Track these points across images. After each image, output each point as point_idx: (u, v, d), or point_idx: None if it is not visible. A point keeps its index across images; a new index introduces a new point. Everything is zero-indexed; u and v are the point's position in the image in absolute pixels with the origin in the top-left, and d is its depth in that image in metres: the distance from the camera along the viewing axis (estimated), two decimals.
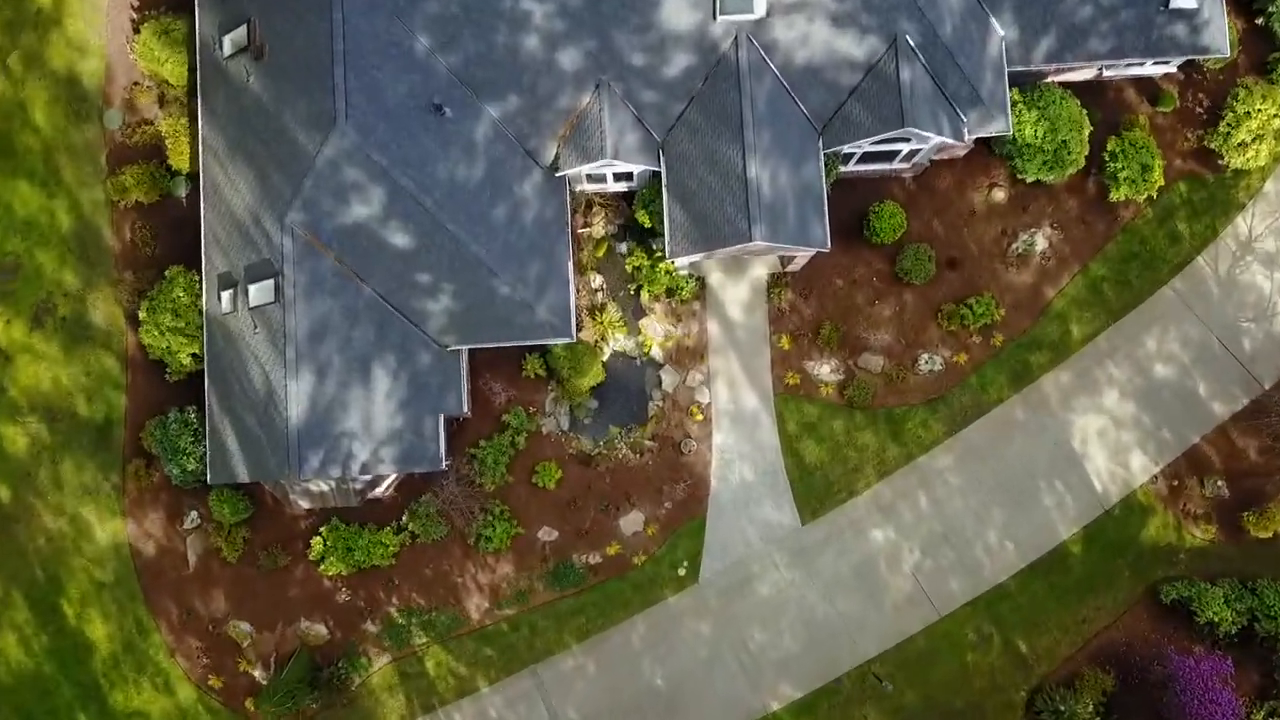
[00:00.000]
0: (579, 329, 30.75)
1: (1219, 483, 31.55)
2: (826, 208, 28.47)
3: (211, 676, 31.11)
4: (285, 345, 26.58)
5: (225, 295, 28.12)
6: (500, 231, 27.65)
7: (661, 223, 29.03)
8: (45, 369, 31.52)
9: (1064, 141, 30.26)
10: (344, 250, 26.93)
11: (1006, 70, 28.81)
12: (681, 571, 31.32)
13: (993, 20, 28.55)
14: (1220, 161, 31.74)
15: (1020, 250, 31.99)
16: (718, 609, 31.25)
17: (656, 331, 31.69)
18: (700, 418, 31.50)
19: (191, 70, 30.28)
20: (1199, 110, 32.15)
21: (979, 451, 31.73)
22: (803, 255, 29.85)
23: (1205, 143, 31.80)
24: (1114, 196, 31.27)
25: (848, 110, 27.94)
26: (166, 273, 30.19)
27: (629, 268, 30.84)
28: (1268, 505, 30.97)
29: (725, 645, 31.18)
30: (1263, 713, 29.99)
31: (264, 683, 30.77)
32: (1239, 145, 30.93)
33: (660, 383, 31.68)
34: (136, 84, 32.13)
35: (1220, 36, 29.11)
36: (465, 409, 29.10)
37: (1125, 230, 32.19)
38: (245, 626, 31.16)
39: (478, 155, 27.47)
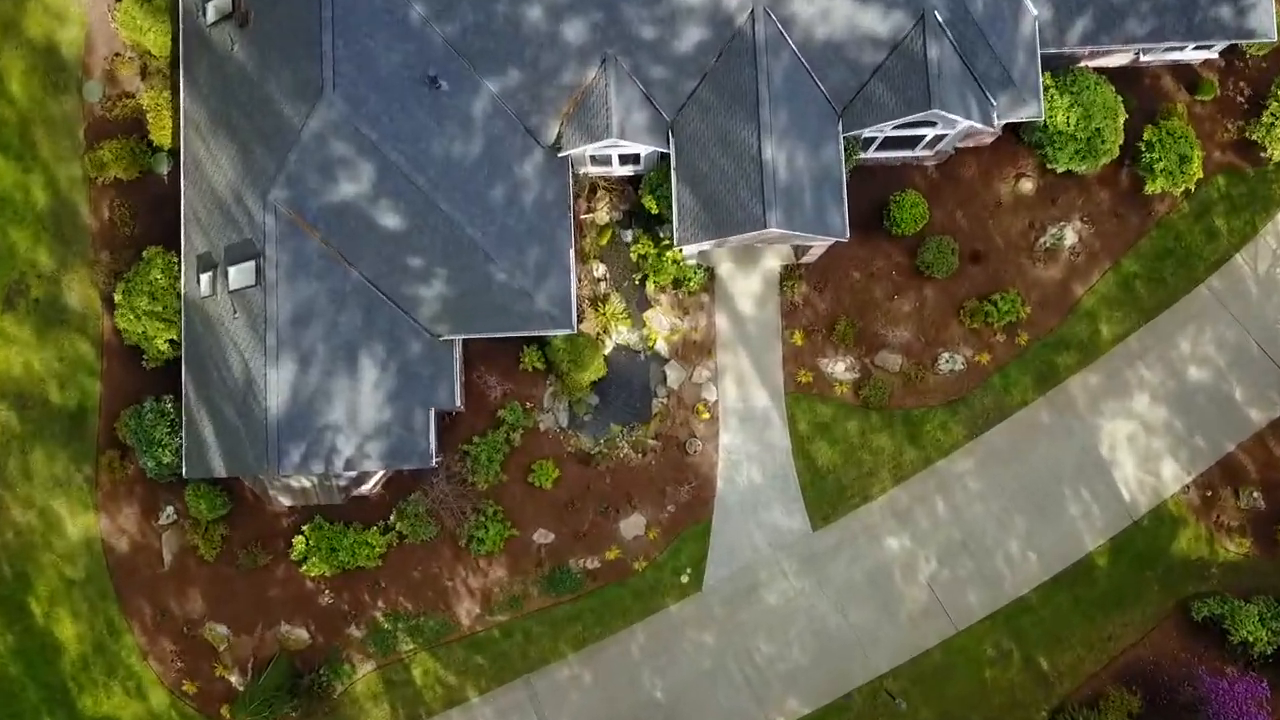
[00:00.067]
0: (580, 320, 29.06)
1: (1255, 494, 29.85)
2: (846, 195, 26.73)
3: (186, 681, 29.46)
4: (265, 331, 24.90)
5: (204, 278, 26.46)
6: (498, 214, 25.96)
7: (669, 208, 27.35)
8: (16, 353, 29.86)
9: (1098, 129, 28.54)
10: (330, 230, 25.25)
11: (1039, 52, 27.06)
12: (684, 578, 29.64)
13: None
14: (1262, 154, 30.06)
15: (1048, 244, 30.27)
16: (722, 618, 29.58)
17: (662, 324, 29.99)
18: (707, 416, 29.82)
19: (175, 40, 28.64)
20: (1240, 99, 30.43)
21: (1001, 456, 30.05)
22: (819, 245, 28.14)
23: (1246, 134, 30.09)
24: (1149, 189, 29.55)
25: (870, 91, 26.21)
26: (144, 253, 28.54)
27: (634, 256, 29.14)
28: None
29: (729, 657, 29.50)
30: None
31: (241, 689, 29.12)
32: None
33: (665, 379, 29.99)
34: (118, 55, 30.47)
35: (1268, 19, 27.38)
36: (458, 403, 27.42)
37: (1160, 225, 30.46)
38: (222, 629, 29.51)
39: (475, 132, 25.78)
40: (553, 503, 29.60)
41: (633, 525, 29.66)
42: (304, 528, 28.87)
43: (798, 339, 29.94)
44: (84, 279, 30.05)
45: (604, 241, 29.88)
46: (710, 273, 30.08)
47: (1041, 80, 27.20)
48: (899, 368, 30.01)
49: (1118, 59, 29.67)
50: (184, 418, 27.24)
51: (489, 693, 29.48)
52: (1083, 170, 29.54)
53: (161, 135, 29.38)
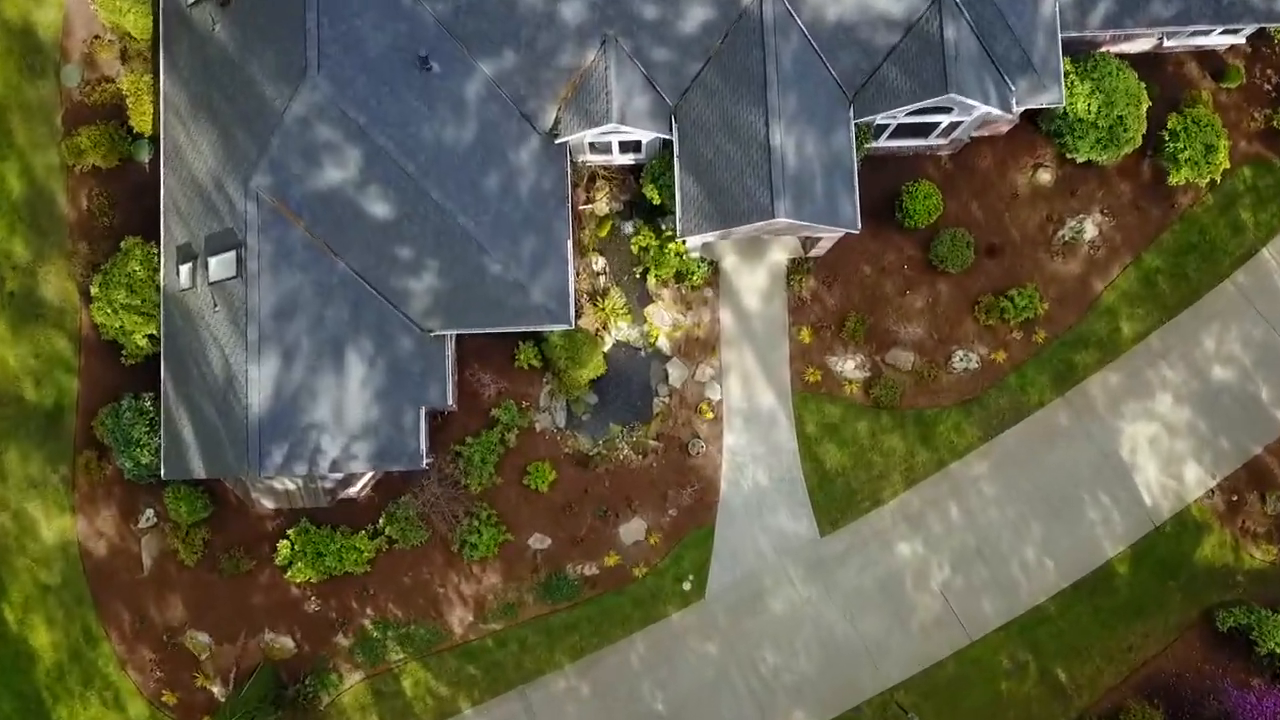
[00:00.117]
0: (578, 315, 27.84)
1: None
2: (857, 184, 25.47)
3: (165, 692, 28.21)
4: (247, 325, 23.65)
5: (184, 269, 25.23)
6: (492, 203, 24.71)
7: (672, 198, 26.11)
8: None
9: (1120, 117, 27.29)
10: (315, 219, 24.00)
11: (1060, 34, 25.81)
12: (686, 585, 28.38)
13: None
14: None
15: (1067, 238, 29.02)
16: (726, 627, 28.32)
17: (664, 320, 28.74)
18: (710, 416, 28.57)
19: (156, 22, 27.40)
20: (1267, 87, 29.19)
21: (1017, 459, 28.80)
22: (829, 237, 26.89)
23: (1274, 123, 28.87)
24: (1173, 180, 28.29)
25: (883, 74, 24.97)
26: (122, 244, 27.30)
27: (635, 248, 27.89)
28: None
29: (733, 667, 28.24)
30: None
31: (223, 700, 27.87)
32: None
33: (667, 377, 28.74)
34: (97, 37, 29.24)
35: None
36: (450, 401, 26.18)
37: (1183, 218, 29.21)
38: (204, 637, 28.26)
39: (468, 116, 24.54)
40: (549, 506, 28.35)
41: (633, 530, 28.40)
42: (289, 532, 27.62)
43: (805, 336, 28.70)
44: (61, 271, 28.83)
45: (603, 233, 28.63)
46: (714, 266, 28.83)
47: (1062, 65, 25.94)
48: (911, 366, 28.78)
49: (1140, 44, 28.43)
50: (162, 416, 25.98)
51: (482, 704, 28.23)
52: (1103, 160, 28.29)
53: (142, 121, 28.18)
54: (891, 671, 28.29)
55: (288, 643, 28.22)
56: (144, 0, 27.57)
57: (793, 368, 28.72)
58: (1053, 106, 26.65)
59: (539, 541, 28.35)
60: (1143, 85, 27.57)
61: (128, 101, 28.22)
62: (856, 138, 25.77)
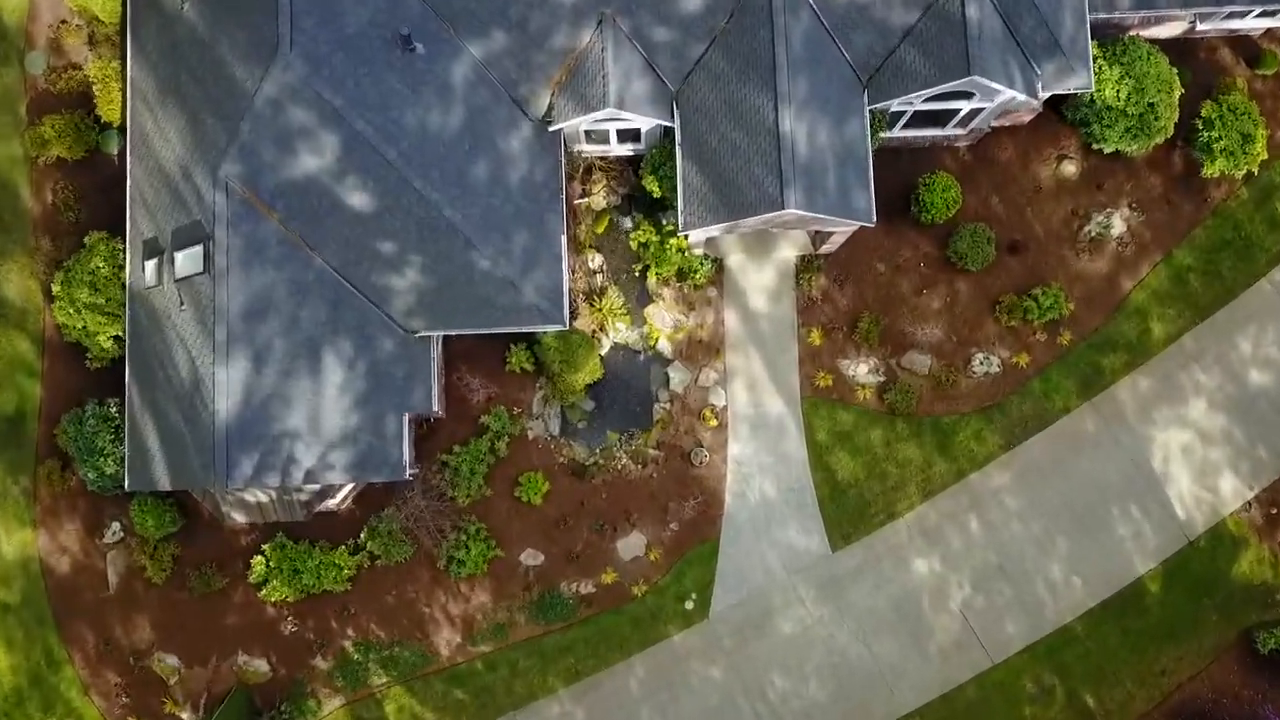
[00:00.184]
0: (573, 316, 26.11)
1: None
2: (872, 175, 23.76)
3: (132, 718, 26.34)
4: (214, 325, 21.90)
5: (150, 265, 23.50)
6: (480, 194, 22.99)
7: (673, 190, 24.40)
8: None
9: (1151, 105, 25.60)
10: (290, 211, 22.29)
11: (1088, 15, 24.15)
12: (689, 604, 26.56)
13: None
14: None
15: (1093, 234, 27.30)
16: (731, 649, 26.50)
17: (665, 321, 26.99)
18: (714, 424, 26.79)
19: (125, 4, 25.72)
20: None
21: (1041, 469, 27.02)
22: (841, 232, 25.15)
23: None
24: (1207, 172, 26.60)
25: (900, 57, 23.28)
26: (86, 240, 25.59)
27: (634, 245, 26.14)
28: None
29: (739, 693, 26.41)
30: None
31: None
32: None
33: (668, 381, 26.98)
34: (64, 22, 27.58)
35: None
36: (436, 407, 24.41)
37: (1216, 213, 27.50)
38: (173, 660, 26.44)
39: (454, 101, 22.84)
40: (542, 520, 26.56)
41: (631, 545, 26.60)
42: (264, 547, 25.84)
43: (816, 338, 26.95)
44: (23, 269, 27.10)
45: (600, 229, 26.91)
46: (718, 264, 27.10)
47: (1090, 48, 24.27)
48: (928, 370, 27.02)
49: (1171, 29, 26.77)
50: (127, 424, 24.21)
51: None
52: (1133, 151, 26.60)
53: (110, 110, 26.48)
54: (908, 697, 26.49)
55: (262, 666, 26.40)
56: None
57: (802, 372, 26.98)
58: (1081, 92, 25.01)
59: (531, 557, 26.55)
60: (1174, 71, 25.90)
61: (95, 89, 26.55)
62: (871, 126, 24.09)
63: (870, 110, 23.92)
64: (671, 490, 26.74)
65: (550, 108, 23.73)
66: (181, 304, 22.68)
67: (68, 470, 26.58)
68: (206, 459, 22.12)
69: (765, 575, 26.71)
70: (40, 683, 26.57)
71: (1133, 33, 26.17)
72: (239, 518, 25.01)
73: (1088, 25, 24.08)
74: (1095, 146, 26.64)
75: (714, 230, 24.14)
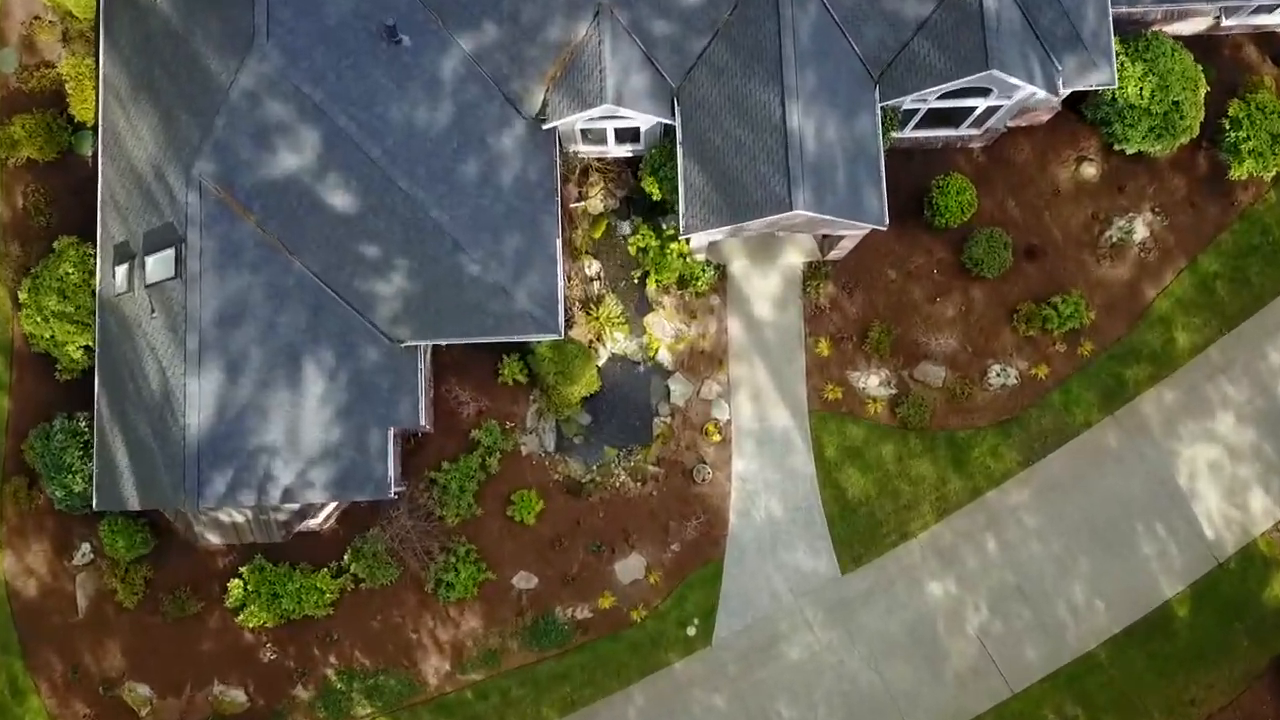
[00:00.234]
0: (569, 325, 24.82)
1: None
2: (884, 175, 22.50)
3: None
4: (186, 332, 20.58)
5: (120, 270, 22.22)
6: (469, 194, 21.74)
7: (674, 191, 23.16)
8: None
9: (1175, 103, 24.38)
10: (267, 212, 21.02)
11: (1110, 8, 22.96)
12: (691, 630, 25.14)
13: None
14: None
15: (1115, 239, 26.04)
16: (736, 677, 25.07)
17: (665, 331, 25.68)
18: (717, 438, 25.44)
19: None
20: None
21: (1062, 486, 25.66)
22: (851, 236, 23.87)
23: None
24: (1234, 174, 25.36)
25: (914, 50, 22.06)
26: (55, 244, 24.31)
27: (632, 250, 24.85)
28: None
29: None
30: None
31: None
32: None
33: (669, 394, 25.64)
34: (37, 18, 26.41)
35: None
36: (423, 421, 23.06)
37: (1244, 217, 26.25)
38: (144, 690, 24.99)
39: (442, 96, 21.62)
40: (536, 540, 25.16)
41: (630, 567, 25.18)
42: (241, 569, 24.45)
43: (824, 348, 25.63)
44: None
45: (597, 234, 25.64)
46: (721, 270, 25.81)
47: (1113, 43, 23.07)
48: (942, 382, 25.70)
49: (1194, 25, 25.57)
50: (96, 439, 22.85)
51: None
52: (1156, 152, 25.36)
53: (83, 109, 25.27)
54: None
55: (239, 696, 24.95)
56: None
57: (810, 384, 25.66)
58: (1102, 89, 23.80)
59: (524, 580, 25.14)
60: (1200, 69, 24.71)
61: (68, 87, 25.36)
62: (882, 125, 22.86)
63: (881, 108, 22.71)
64: (672, 509, 25.36)
65: (544, 104, 22.50)
66: (152, 311, 21.38)
67: (35, 488, 25.22)
68: (176, 476, 20.75)
69: (771, 599, 25.30)
70: (4, 713, 25.11)
71: (1155, 28, 24.99)
72: (213, 539, 23.61)
73: (1110, 18, 22.89)
74: (1117, 147, 25.41)
75: (717, 234, 22.86)
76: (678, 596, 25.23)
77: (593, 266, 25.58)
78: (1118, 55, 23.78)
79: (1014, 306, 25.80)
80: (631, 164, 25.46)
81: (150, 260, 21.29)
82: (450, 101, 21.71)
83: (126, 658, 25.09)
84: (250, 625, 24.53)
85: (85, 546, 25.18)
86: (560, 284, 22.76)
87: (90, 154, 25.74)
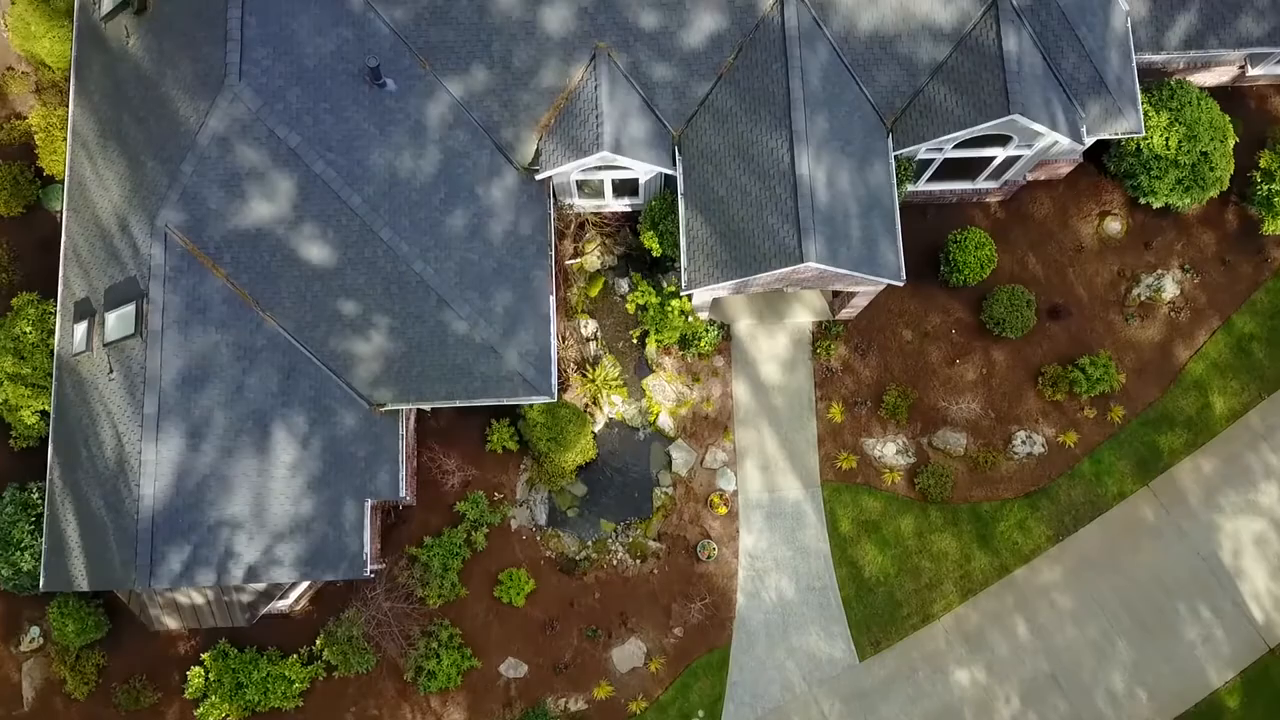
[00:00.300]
0: (563, 387, 23.12)
1: None
2: (900, 227, 21.07)
3: None
4: (144, 394, 18.84)
5: (80, 328, 20.58)
6: (456, 246, 20.24)
7: (675, 246, 21.74)
8: None
9: (1203, 154, 23.12)
10: (237, 265, 19.48)
11: (1134, 54, 21.82)
12: None
13: None
14: None
15: (1143, 297, 24.55)
16: None
17: (666, 394, 23.98)
18: (723, 511, 23.55)
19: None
20: None
21: (1096, 564, 23.70)
22: (864, 293, 22.33)
23: None
24: (1267, 229, 24.03)
25: (929, 95, 20.82)
26: (13, 302, 22.73)
27: (631, 307, 23.28)
28: None
29: None
30: None
31: None
32: None
33: (670, 463, 23.83)
34: (10, 69, 25.36)
35: None
36: (404, 493, 21.21)
37: (1279, 275, 24.78)
38: None
39: (428, 143, 20.27)
40: (525, 624, 23.09)
41: (629, 654, 23.05)
42: (203, 656, 22.32)
43: (836, 414, 23.91)
44: None
45: (594, 292, 24.12)
46: (725, 330, 24.22)
47: (1138, 89, 21.87)
48: (964, 450, 23.91)
49: (1218, 75, 24.48)
50: (47, 512, 20.95)
51: None
52: (1183, 206, 24.01)
53: (53, 162, 23.99)
54: None
55: None
56: (62, 23, 23.65)
57: (822, 452, 23.87)
58: (1127, 138, 22.62)
59: (513, 668, 22.97)
60: (1227, 119, 23.50)
61: (37, 139, 24.10)
62: (896, 175, 21.52)
63: (895, 157, 21.39)
64: (675, 589, 23.34)
65: (537, 153, 21.17)
66: (110, 371, 19.69)
67: None
68: (128, 553, 18.80)
69: (783, 688, 23.10)
70: None
71: (1177, 78, 23.87)
72: (170, 623, 21.49)
73: (1134, 63, 21.74)
74: (1142, 201, 24.07)
75: (721, 289, 21.32)
76: (680, 686, 23.03)
77: (589, 326, 24.00)
78: (1141, 104, 22.58)
79: (1038, 369, 24.18)
80: (630, 219, 24.09)
81: (110, 317, 19.68)
82: (437, 149, 20.37)
83: None
84: (212, 719, 22.27)
85: (34, 631, 23.07)
86: (553, 343, 21.13)
87: (59, 208, 24.36)
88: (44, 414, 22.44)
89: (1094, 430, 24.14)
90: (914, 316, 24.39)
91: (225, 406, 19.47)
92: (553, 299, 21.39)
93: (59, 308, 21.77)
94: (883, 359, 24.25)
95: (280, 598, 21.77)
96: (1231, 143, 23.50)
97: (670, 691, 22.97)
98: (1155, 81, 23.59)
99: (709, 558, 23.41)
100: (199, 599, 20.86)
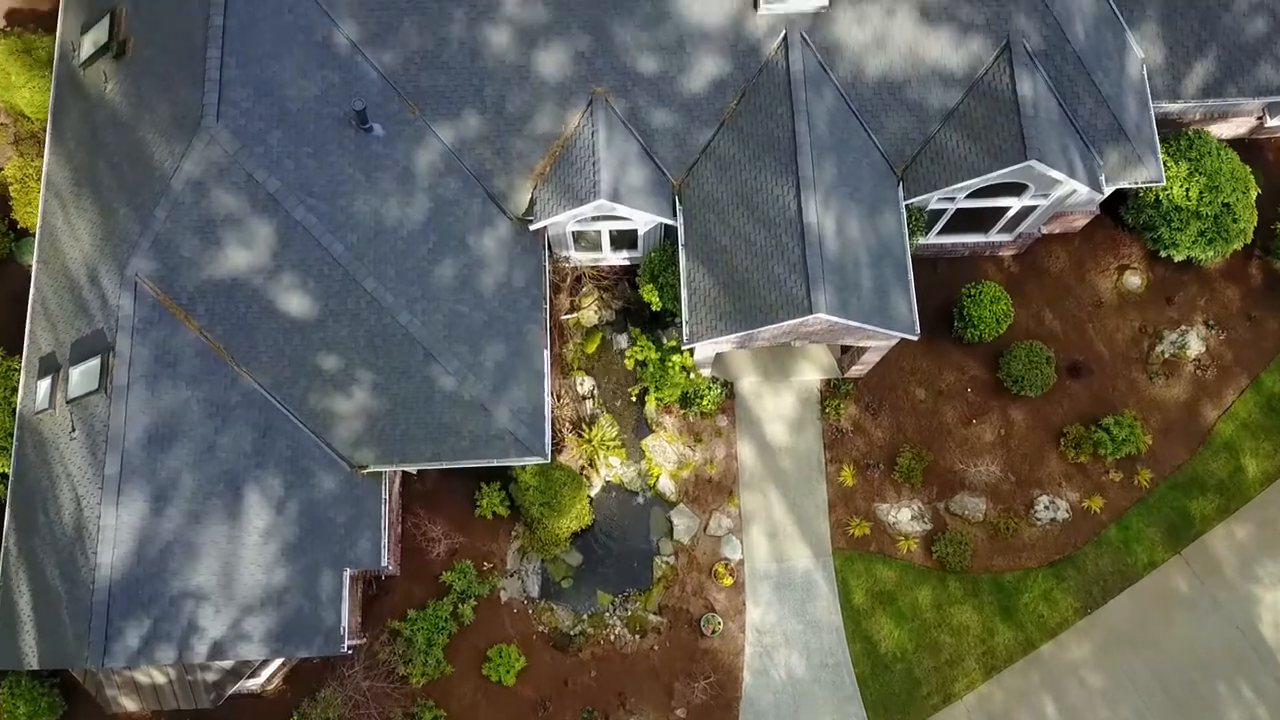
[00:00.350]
0: (557, 448, 21.85)
1: None
2: (912, 278, 20.01)
3: None
4: (106, 453, 17.52)
5: (43, 385, 19.34)
6: (444, 298, 19.14)
7: (675, 300, 20.68)
8: None
9: (1226, 205, 22.21)
10: (211, 317, 18.35)
11: (1151, 101, 21.06)
12: None
13: (1129, 35, 20.96)
14: None
15: (1167, 355, 23.41)
16: None
17: (667, 456, 22.67)
18: (728, 582, 22.05)
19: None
20: None
21: (1128, 638, 22.14)
22: (875, 348, 21.18)
23: None
24: None
25: (941, 142, 19.96)
26: None
27: (630, 363, 22.09)
28: None
29: None
30: None
31: None
32: None
33: (671, 530, 22.41)
34: None
35: None
36: (386, 562, 19.76)
37: None
38: None
39: (417, 190, 19.31)
40: (516, 704, 21.41)
41: None
42: None
43: (847, 477, 22.57)
44: None
45: (591, 348, 22.97)
46: (729, 388, 23.01)
47: (1157, 137, 21.04)
48: (983, 516, 22.53)
49: (1236, 126, 23.73)
50: (1, 583, 19.45)
51: None
52: (1207, 259, 23.04)
53: (28, 214, 23.07)
54: None
55: None
56: (42, 73, 22.93)
57: (833, 518, 22.47)
58: (1146, 188, 21.75)
59: None
60: (1248, 169, 22.66)
61: (12, 190, 23.21)
62: (908, 225, 20.56)
63: (906, 207, 20.45)
64: (677, 667, 21.71)
65: (532, 202, 20.23)
66: (72, 430, 18.40)
67: None
68: (81, 628, 17.28)
69: None
70: None
71: (1194, 128, 23.10)
72: (128, 704, 19.77)
73: (1151, 110, 20.94)
74: (1163, 254, 23.10)
75: (725, 343, 20.17)
76: None
77: (585, 384, 22.79)
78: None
79: (1060, 429, 22.92)
80: (629, 273, 23.08)
81: (75, 372, 18.47)
82: (426, 196, 19.41)
83: None
84: None
85: None
86: (547, 401, 19.89)
87: (32, 263, 23.31)
88: (4, 477, 21.10)
89: (1120, 495, 22.79)
90: (927, 374, 23.21)
91: (194, 467, 18.15)
92: (547, 353, 20.22)
93: (24, 364, 20.57)
94: (895, 419, 23.00)
95: (249, 676, 20.13)
96: (1254, 194, 22.62)
97: None
98: (1172, 132, 22.82)
99: (713, 632, 21.83)
100: (160, 678, 19.23)
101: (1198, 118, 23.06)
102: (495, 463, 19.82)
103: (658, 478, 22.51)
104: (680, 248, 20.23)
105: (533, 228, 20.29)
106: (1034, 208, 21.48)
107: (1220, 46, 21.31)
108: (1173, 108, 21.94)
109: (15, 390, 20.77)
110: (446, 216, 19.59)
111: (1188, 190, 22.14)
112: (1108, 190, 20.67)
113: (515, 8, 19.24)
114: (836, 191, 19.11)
